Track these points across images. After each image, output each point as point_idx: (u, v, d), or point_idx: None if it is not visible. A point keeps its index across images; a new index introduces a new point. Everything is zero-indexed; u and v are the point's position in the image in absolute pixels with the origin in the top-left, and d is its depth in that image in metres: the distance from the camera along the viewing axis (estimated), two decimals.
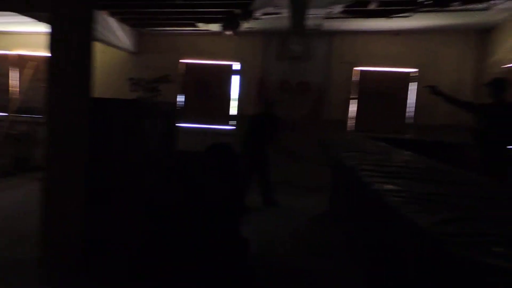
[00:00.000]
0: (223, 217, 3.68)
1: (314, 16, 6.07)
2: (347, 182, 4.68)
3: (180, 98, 8.44)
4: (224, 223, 3.68)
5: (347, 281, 3.69)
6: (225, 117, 8.32)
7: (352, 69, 7.84)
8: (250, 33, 7.62)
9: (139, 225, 3.54)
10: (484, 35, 7.25)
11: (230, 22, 6.18)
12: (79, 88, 3.45)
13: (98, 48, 7.90)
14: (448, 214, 1.63)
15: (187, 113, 8.38)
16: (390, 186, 2.18)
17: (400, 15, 6.09)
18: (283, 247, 4.49)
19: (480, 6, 5.42)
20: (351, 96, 7.89)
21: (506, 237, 1.37)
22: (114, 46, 7.62)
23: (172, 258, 3.43)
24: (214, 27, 7.05)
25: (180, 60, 8.41)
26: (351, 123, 7.96)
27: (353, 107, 7.95)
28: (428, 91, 5.05)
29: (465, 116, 7.14)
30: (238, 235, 3.76)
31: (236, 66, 8.22)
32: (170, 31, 8.00)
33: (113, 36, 7.35)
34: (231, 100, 8.32)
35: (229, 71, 8.28)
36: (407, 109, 7.78)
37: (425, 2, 5.44)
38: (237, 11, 5.98)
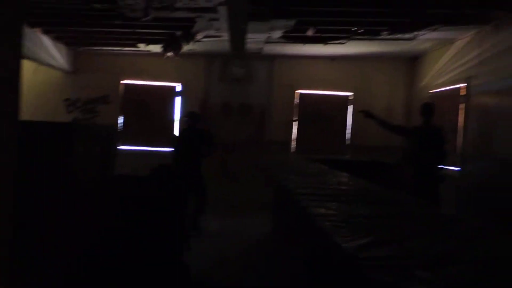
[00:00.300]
0: (163, 242, 3.56)
1: (254, 40, 6.22)
2: (286, 204, 4.75)
3: (121, 120, 8.18)
4: (165, 249, 3.56)
5: None
6: (168, 139, 8.16)
7: (294, 92, 8.08)
8: (192, 55, 7.62)
9: (70, 256, 3.32)
10: (412, 62, 7.82)
11: (171, 44, 6.14)
12: (5, 109, 3.22)
13: (30, 67, 7.56)
14: (376, 236, 1.69)
15: (127, 135, 8.12)
16: (323, 210, 2.24)
17: (336, 41, 6.41)
18: (225, 271, 4.42)
19: (406, 36, 5.85)
20: (293, 118, 8.10)
21: (431, 260, 1.43)
22: (47, 65, 7.26)
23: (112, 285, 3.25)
24: (155, 48, 6.98)
25: (121, 81, 8.19)
26: (293, 144, 8.15)
27: (295, 129, 8.16)
28: (362, 115, 5.30)
29: (397, 138, 7.60)
30: (179, 261, 3.66)
31: (179, 87, 8.15)
32: (109, 51, 7.79)
33: (47, 54, 7.01)
34: (174, 121, 8.20)
35: (172, 93, 8.19)
36: (346, 131, 8.12)
37: (358, 31, 5.78)
38: (178, 33, 5.96)
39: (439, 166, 5.22)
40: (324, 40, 6.40)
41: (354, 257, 1.45)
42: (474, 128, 5.59)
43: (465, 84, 5.80)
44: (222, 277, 4.21)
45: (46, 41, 6.89)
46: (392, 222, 2.01)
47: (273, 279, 4.19)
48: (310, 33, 5.66)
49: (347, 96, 8.10)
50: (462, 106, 5.88)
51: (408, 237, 1.71)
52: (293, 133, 8.14)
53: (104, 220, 3.61)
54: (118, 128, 8.00)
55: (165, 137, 8.12)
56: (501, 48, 5.03)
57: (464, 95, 5.82)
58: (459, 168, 5.82)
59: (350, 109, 8.09)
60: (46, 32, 6.61)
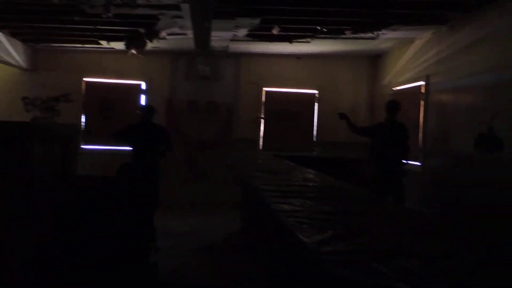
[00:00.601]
0: (130, 242, 3.50)
1: (219, 38, 6.19)
2: (252, 201, 4.77)
3: (83, 119, 7.93)
4: (131, 249, 3.50)
5: None
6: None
7: (261, 89, 8.11)
8: (157, 52, 7.50)
9: (28, 256, 3.20)
10: (375, 60, 8.03)
11: (134, 41, 6.01)
12: None
13: None
14: (336, 232, 1.73)
15: (90, 134, 7.89)
16: (287, 207, 2.27)
17: (301, 40, 6.48)
18: (194, 268, 4.40)
19: (368, 35, 6.00)
20: (260, 116, 8.13)
21: (387, 253, 1.49)
22: (3, 62, 6.95)
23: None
24: (119, 45, 6.81)
25: (83, 79, 7.95)
26: (261, 142, 8.18)
27: (262, 127, 8.19)
28: (338, 116, 5.65)
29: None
30: (147, 261, 3.61)
31: (143, 85, 8.00)
32: (70, 48, 7.54)
33: (2, 51, 6.70)
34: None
35: (136, 91, 8.02)
36: (313, 128, 8.24)
37: (322, 30, 5.87)
38: (142, 30, 5.85)
39: (403, 161, 5.43)
40: (289, 39, 6.46)
41: (315, 251, 1.49)
42: (433, 124, 5.81)
43: (424, 83, 6.02)
44: (188, 276, 4.18)
45: (1, 37, 6.58)
46: (353, 218, 2.07)
47: (237, 276, 4.21)
48: (275, 31, 5.70)
49: (313, 94, 8.21)
50: (422, 103, 6.10)
51: (366, 232, 1.76)
52: (260, 131, 8.18)
53: (65, 220, 3.51)
54: (81, 127, 7.77)
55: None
56: (457, 48, 5.25)
57: (423, 93, 6.04)
58: (420, 163, 6.04)
59: (316, 106, 8.21)
60: (1, 27, 6.31)
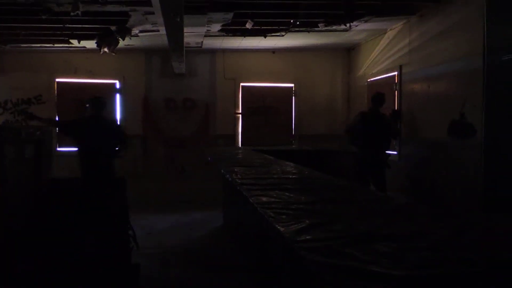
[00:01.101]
0: (109, 243, 3.45)
1: (193, 34, 6.14)
2: (232, 196, 4.77)
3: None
4: (111, 250, 3.45)
5: None
6: None
7: (238, 85, 8.09)
8: (130, 50, 7.38)
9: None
10: (349, 52, 8.12)
11: (105, 39, 5.89)
12: None
13: None
14: (312, 220, 1.75)
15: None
16: (265, 199, 2.28)
17: (275, 34, 6.49)
18: (177, 265, 4.36)
19: (341, 27, 6.06)
20: (238, 111, 8.11)
21: (360, 238, 1.52)
22: None
23: None
24: (90, 44, 6.66)
25: (55, 79, 7.76)
26: (240, 137, 8.17)
27: (240, 122, 8.18)
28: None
29: (339, 127, 7.88)
30: (128, 261, 3.56)
31: (118, 84, 7.87)
32: (40, 48, 7.33)
33: None
34: (116, 119, 7.89)
35: (110, 90, 7.88)
36: (292, 122, 8.28)
37: (296, 23, 5.90)
38: (113, 27, 5.74)
39: (385, 151, 5.57)
40: (263, 33, 6.46)
41: (293, 241, 1.50)
42: (407, 114, 5.93)
43: (397, 73, 6.13)
44: (171, 275, 4.15)
45: None
46: (329, 206, 2.10)
47: (221, 272, 4.20)
48: (248, 26, 5.68)
49: (290, 87, 8.25)
50: (396, 93, 6.21)
51: (341, 219, 1.79)
52: (239, 126, 8.17)
53: (39, 222, 3.44)
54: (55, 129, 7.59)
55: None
56: (428, 37, 5.36)
57: (396, 83, 6.15)
58: (396, 152, 6.16)
59: (293, 99, 8.24)
60: None
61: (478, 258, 1.26)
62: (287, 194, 2.41)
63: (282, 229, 1.64)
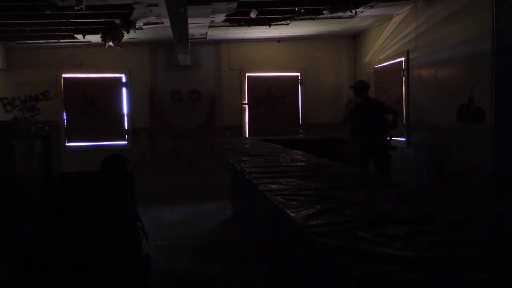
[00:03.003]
0: (120, 237, 3.49)
1: (197, 25, 6.11)
2: (241, 185, 4.78)
3: (65, 116, 7.79)
4: (122, 244, 3.49)
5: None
6: (118, 132, 7.90)
7: (244, 75, 8.06)
8: (135, 43, 7.38)
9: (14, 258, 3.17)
10: (355, 39, 8.04)
11: (110, 33, 5.88)
12: None
13: None
14: (322, 206, 1.75)
15: (73, 131, 7.78)
16: (275, 186, 2.28)
17: (279, 23, 6.44)
18: (187, 257, 4.41)
19: (347, 14, 5.99)
20: (244, 102, 8.09)
21: (371, 221, 1.52)
22: None
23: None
24: (95, 38, 6.67)
25: (62, 75, 7.79)
26: (247, 128, 8.16)
27: (247, 113, 8.16)
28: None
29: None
30: (139, 254, 3.60)
31: (124, 78, 7.88)
32: (45, 44, 7.35)
33: None
34: (122, 113, 7.91)
35: (117, 84, 7.90)
36: (298, 111, 8.24)
37: (301, 11, 5.84)
38: (117, 21, 5.73)
39: (385, 135, 5.64)
40: (268, 22, 6.41)
41: (303, 226, 1.50)
42: (415, 99, 5.87)
43: (404, 58, 6.06)
44: (181, 266, 4.19)
45: None
46: (339, 192, 2.09)
47: (230, 263, 4.23)
48: (253, 15, 5.64)
49: (296, 77, 8.20)
50: (404, 79, 6.15)
51: (351, 204, 1.79)
52: (245, 117, 8.15)
53: (51, 215, 3.48)
54: (63, 124, 7.64)
55: (115, 130, 7.87)
56: (435, 21, 5.28)
57: (404, 69, 6.09)
58: (404, 139, 6.12)
59: (300, 89, 8.19)
60: None
61: (490, 240, 1.26)
62: (296, 181, 2.41)
63: (292, 214, 1.65)
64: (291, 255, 1.80)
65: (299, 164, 3.20)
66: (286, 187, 2.25)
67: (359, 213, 1.63)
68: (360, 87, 5.99)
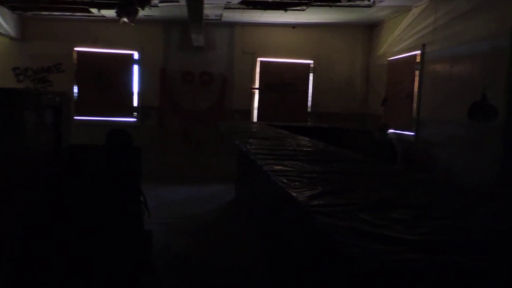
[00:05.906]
0: (123, 210, 3.53)
1: (213, 6, 6.06)
2: (245, 166, 4.79)
3: (76, 89, 7.83)
4: (124, 217, 3.53)
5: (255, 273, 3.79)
6: (127, 109, 7.93)
7: (256, 59, 8.01)
8: (149, 21, 7.35)
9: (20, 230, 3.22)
10: (371, 30, 7.92)
11: (125, 9, 5.86)
12: None
13: None
14: (325, 188, 1.75)
15: (83, 105, 7.82)
16: (278, 167, 2.28)
17: (296, 8, 6.36)
18: (188, 234, 4.45)
19: (365, 3, 5.89)
20: (254, 86, 8.06)
21: (372, 205, 1.51)
22: None
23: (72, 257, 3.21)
24: (110, 13, 6.65)
25: (74, 48, 7.80)
26: (256, 113, 8.14)
27: (257, 97, 8.14)
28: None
29: (353, 107, 7.81)
30: (141, 227, 3.64)
31: (136, 55, 7.88)
32: (60, 16, 7.36)
33: None
34: (132, 90, 7.93)
35: (129, 61, 7.90)
36: (308, 99, 8.19)
37: None
38: None
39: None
40: (284, 7, 6.33)
41: (305, 205, 1.51)
42: (428, 94, 5.80)
43: (419, 52, 5.96)
44: (182, 244, 4.24)
45: None
46: (343, 177, 2.09)
47: (232, 243, 4.26)
48: None
49: (308, 64, 8.12)
50: (417, 73, 6.06)
51: (355, 188, 1.79)
52: (255, 102, 8.13)
53: (58, 187, 3.52)
54: (73, 97, 7.69)
55: (124, 107, 7.90)
56: (454, 15, 5.18)
57: (418, 62, 6.00)
58: (413, 133, 6.06)
59: (311, 77, 8.13)
60: None
61: (493, 226, 1.25)
62: (300, 164, 2.41)
63: (294, 194, 1.65)
64: (292, 233, 1.81)
65: (304, 149, 3.20)
66: (290, 169, 2.25)
67: (363, 196, 1.63)
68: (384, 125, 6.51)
